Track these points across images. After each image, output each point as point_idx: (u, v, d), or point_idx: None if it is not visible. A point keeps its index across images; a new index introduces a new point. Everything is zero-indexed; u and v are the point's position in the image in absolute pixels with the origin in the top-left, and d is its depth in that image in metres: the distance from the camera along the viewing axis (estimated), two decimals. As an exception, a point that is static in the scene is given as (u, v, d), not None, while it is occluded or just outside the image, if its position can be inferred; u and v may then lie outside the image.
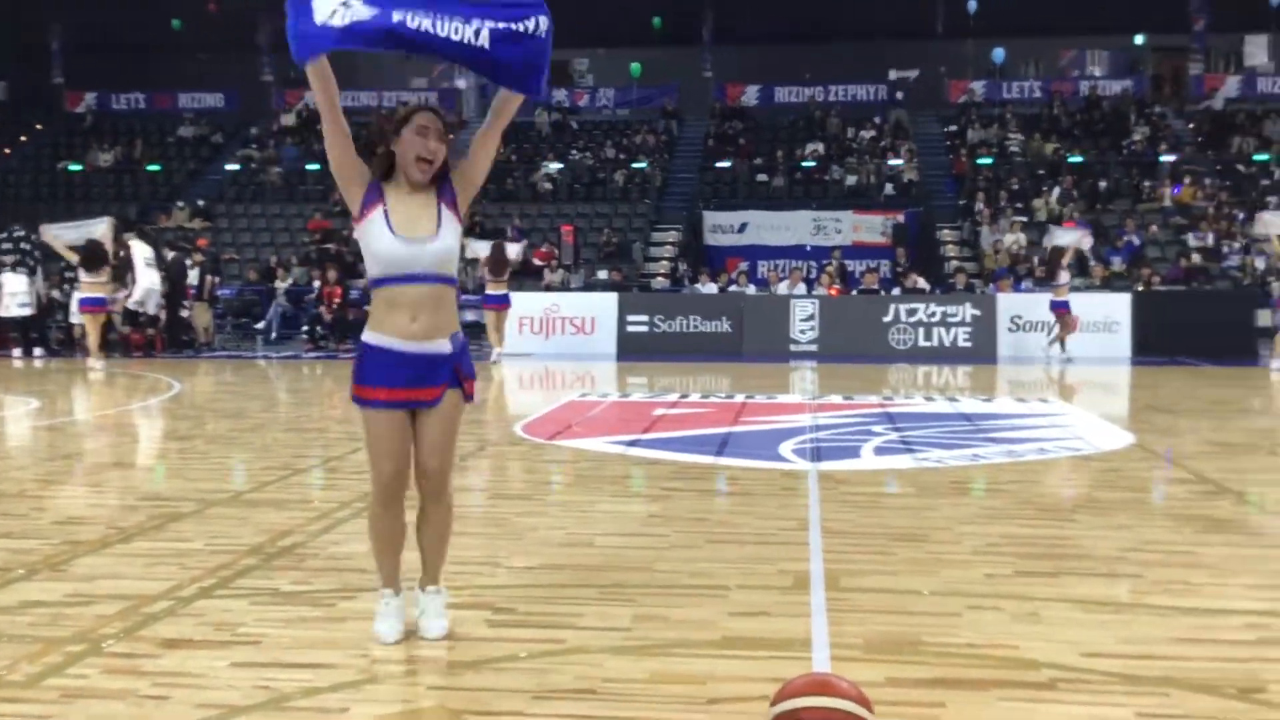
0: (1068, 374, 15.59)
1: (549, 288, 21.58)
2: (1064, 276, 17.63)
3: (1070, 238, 18.80)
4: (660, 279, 23.35)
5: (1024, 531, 5.59)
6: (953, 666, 3.62)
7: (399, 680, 3.59)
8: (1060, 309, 17.47)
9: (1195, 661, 3.63)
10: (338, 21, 3.58)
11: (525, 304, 19.50)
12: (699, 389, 13.35)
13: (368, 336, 3.86)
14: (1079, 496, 6.83)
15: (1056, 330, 17.74)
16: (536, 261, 22.98)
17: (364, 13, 3.60)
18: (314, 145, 29.58)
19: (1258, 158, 26.28)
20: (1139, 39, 32.32)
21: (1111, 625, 4.03)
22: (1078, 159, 26.50)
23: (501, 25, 3.68)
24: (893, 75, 30.32)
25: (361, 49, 3.67)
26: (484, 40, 3.68)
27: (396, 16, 3.63)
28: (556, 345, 19.32)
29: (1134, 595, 4.45)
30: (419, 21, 3.64)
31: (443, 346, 3.84)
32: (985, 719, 3.24)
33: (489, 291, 17.33)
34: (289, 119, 30.85)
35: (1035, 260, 21.26)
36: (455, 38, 3.68)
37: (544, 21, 3.72)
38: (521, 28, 3.69)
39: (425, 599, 3.98)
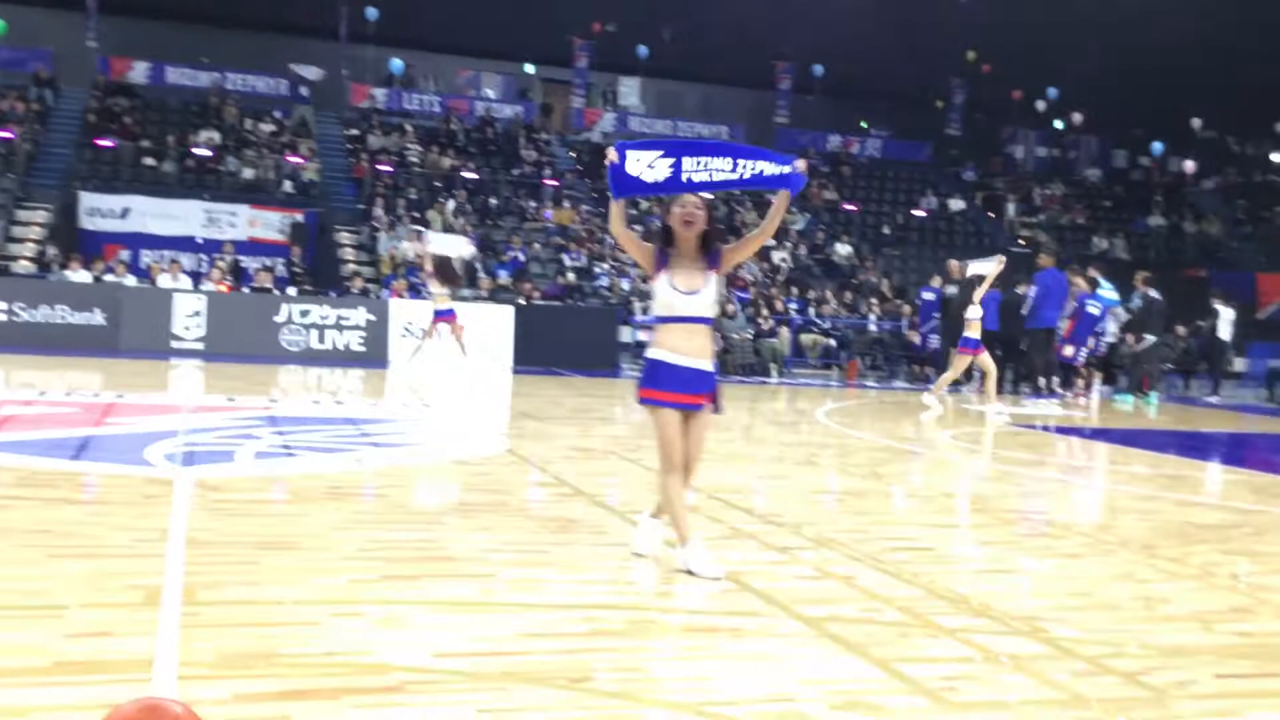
0: (450, 380, 16.21)
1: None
2: (436, 285, 17.89)
3: (449, 246, 19.34)
4: (24, 263, 21.02)
5: (394, 536, 5.68)
6: (306, 677, 3.56)
7: None
8: (446, 316, 17.84)
9: (534, 656, 3.88)
10: (647, 178, 5.15)
11: None
12: (63, 386, 12.16)
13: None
14: (449, 500, 7.09)
15: (424, 341, 17.91)
16: None
17: (664, 173, 5.13)
18: None
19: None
20: (529, 68, 34.61)
21: (463, 625, 4.20)
22: (472, 175, 27.75)
23: (759, 170, 5.18)
24: (299, 71, 29.85)
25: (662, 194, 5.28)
26: (747, 177, 5.19)
27: (684, 177, 5.15)
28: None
29: (486, 594, 4.67)
30: (700, 177, 5.16)
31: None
32: (333, 728, 3.22)
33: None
34: None
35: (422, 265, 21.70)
36: (727, 179, 5.21)
37: (789, 168, 5.18)
38: (777, 171, 5.18)
39: None
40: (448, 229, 24.66)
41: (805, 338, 22.91)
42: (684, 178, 5.14)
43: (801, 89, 35.53)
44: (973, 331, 14.54)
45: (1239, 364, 25.51)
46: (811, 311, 24.33)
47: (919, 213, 33.14)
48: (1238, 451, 12.83)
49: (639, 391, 5.28)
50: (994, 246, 32.15)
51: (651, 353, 5.28)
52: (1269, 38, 29.10)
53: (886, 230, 31.78)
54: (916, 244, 31.58)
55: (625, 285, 24.35)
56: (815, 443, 11.11)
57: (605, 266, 25.04)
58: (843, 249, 28.96)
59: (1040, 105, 36.01)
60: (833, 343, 23.11)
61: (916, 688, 3.76)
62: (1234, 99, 32.85)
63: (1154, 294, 18.47)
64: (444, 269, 18.00)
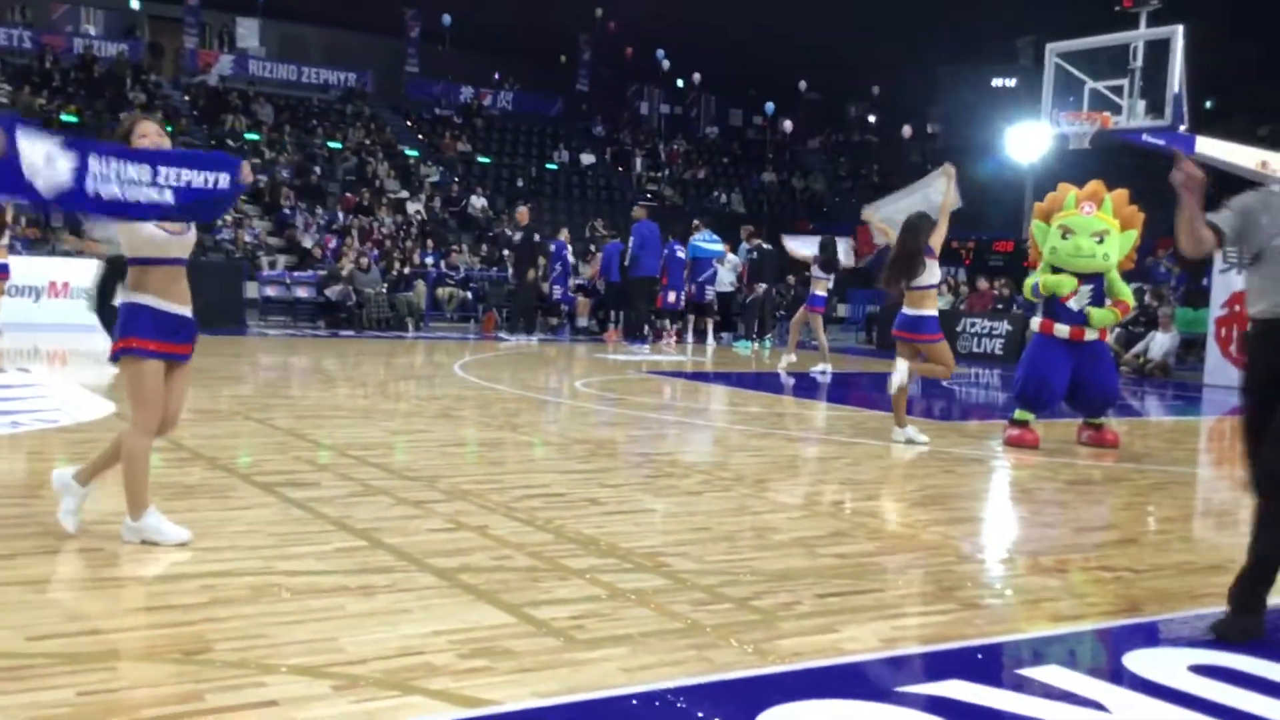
0: (49, 343, 14.88)
1: None
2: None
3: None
4: None
5: (-19, 513, 5.15)
6: None
7: None
8: None
9: (144, 631, 3.63)
10: (40, 178, 4.16)
11: None
12: None
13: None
14: (48, 471, 6.50)
15: None
16: None
17: (63, 172, 4.20)
18: None
19: (249, 136, 27.73)
20: (135, 4, 32.09)
21: (63, 604, 3.87)
22: (73, 118, 25.47)
23: (186, 181, 4.46)
24: None
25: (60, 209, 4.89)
26: (169, 198, 4.43)
27: (90, 186, 4.27)
28: None
29: (93, 570, 4.33)
30: (108, 190, 4.31)
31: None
32: (-95, 731, 2.88)
33: None
34: None
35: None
36: (145, 201, 4.40)
37: (225, 180, 4.56)
38: (206, 182, 4.51)
39: None
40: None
41: (441, 291, 22.75)
42: (88, 186, 4.28)
43: (431, 38, 35.04)
44: (819, 290, 15.39)
45: (841, 309, 27.76)
46: (444, 265, 24.16)
47: (552, 166, 33.65)
48: (840, 390, 13.96)
49: (116, 343, 4.72)
50: (625, 200, 33.28)
51: (134, 298, 4.72)
52: (865, 7, 31.55)
53: (520, 183, 32.04)
54: (550, 197, 32.06)
55: (249, 238, 23.20)
56: (452, 395, 11.08)
57: (227, 219, 23.74)
58: (478, 201, 28.93)
59: (666, 64, 37.30)
60: (469, 295, 23.08)
61: (546, 629, 3.84)
62: (836, 64, 35.45)
63: (766, 246, 19.71)
64: None
